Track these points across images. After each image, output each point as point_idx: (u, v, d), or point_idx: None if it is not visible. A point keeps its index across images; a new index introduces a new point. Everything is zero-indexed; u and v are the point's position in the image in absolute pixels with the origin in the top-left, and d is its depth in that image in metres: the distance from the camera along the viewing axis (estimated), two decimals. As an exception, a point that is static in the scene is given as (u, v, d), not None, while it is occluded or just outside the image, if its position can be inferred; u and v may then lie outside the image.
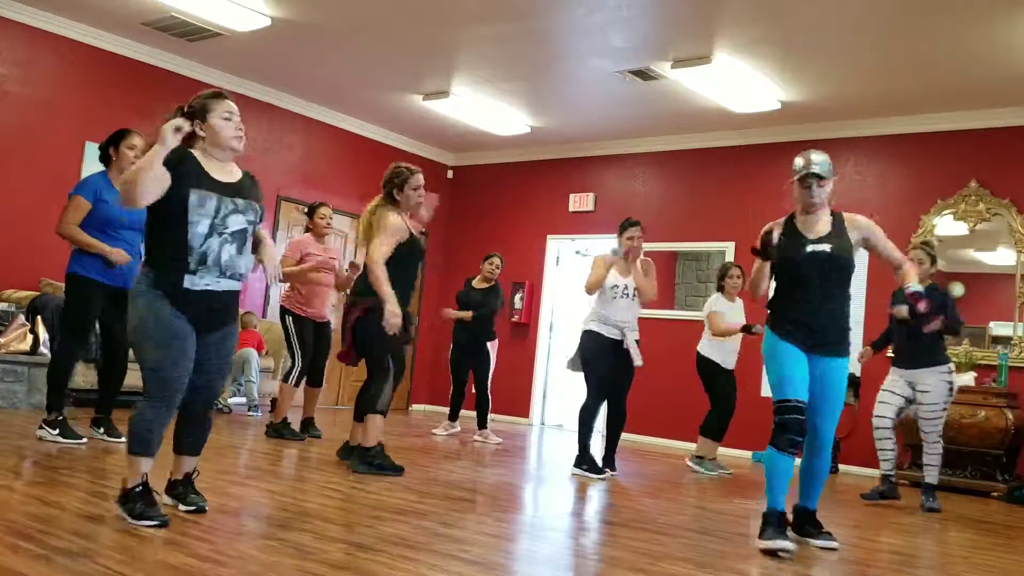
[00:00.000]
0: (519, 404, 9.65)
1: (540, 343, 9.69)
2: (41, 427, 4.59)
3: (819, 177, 3.63)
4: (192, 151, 2.98)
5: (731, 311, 6.40)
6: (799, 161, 3.71)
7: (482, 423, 6.98)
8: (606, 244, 9.20)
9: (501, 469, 5.39)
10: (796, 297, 3.62)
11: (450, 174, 10.63)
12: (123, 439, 4.63)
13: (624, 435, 6.24)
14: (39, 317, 6.16)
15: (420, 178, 4.69)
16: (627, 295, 5.51)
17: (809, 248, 3.59)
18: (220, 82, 8.16)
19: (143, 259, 2.99)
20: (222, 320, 3.01)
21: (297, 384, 5.88)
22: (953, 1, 5.40)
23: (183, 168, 2.89)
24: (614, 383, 5.48)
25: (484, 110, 8.52)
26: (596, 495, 4.76)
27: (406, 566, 2.55)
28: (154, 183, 2.79)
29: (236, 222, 2.96)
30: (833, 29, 5.99)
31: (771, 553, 3.34)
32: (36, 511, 2.84)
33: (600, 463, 5.43)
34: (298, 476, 4.32)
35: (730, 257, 8.44)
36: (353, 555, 2.63)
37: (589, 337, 5.49)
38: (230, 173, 3.04)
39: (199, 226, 2.87)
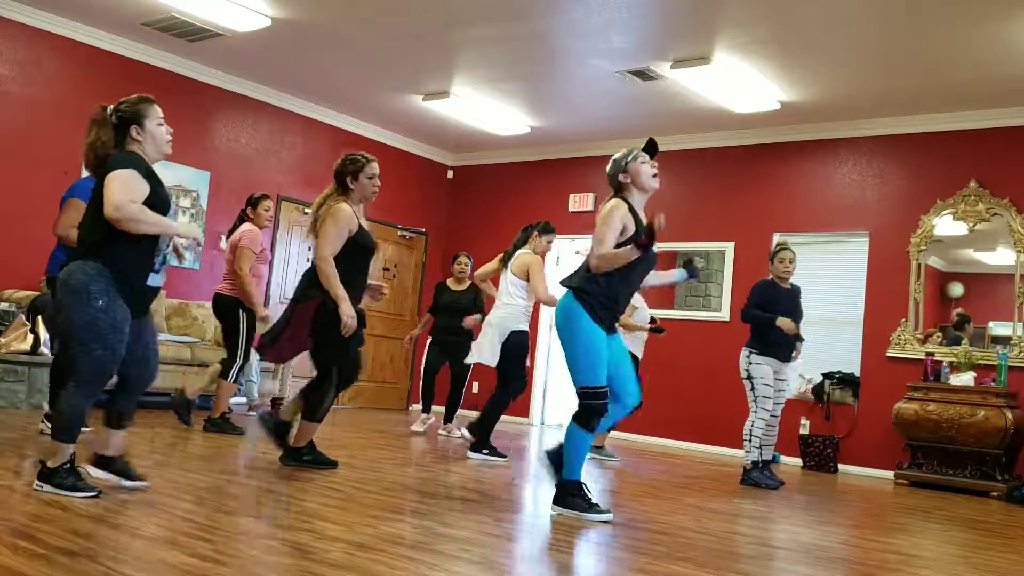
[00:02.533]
0: (519, 404, 9.60)
1: (540, 343, 9.69)
2: (42, 421, 4.82)
3: None
4: (140, 154, 3.24)
5: (642, 306, 6.59)
6: (627, 150, 3.84)
7: (451, 418, 7.15)
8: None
9: (501, 469, 5.40)
10: (624, 281, 3.74)
11: (450, 174, 10.63)
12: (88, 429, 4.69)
13: (623, 435, 6.25)
14: (39, 317, 6.17)
15: (376, 167, 4.51)
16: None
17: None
18: (220, 82, 8.17)
19: (88, 255, 3.15)
20: (147, 308, 3.34)
21: (236, 380, 5.77)
22: (953, 1, 5.41)
23: (155, 180, 3.20)
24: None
25: (484, 110, 8.53)
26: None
27: (406, 566, 2.55)
28: (162, 231, 3.20)
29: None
30: (833, 29, 6.00)
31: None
32: (36, 510, 2.84)
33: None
34: (298, 476, 4.32)
35: (730, 257, 8.45)
36: (353, 555, 2.64)
37: (525, 336, 5.79)
38: None
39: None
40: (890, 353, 7.41)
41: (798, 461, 7.61)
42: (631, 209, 3.74)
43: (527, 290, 5.77)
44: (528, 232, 5.98)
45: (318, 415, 4.36)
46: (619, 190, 3.85)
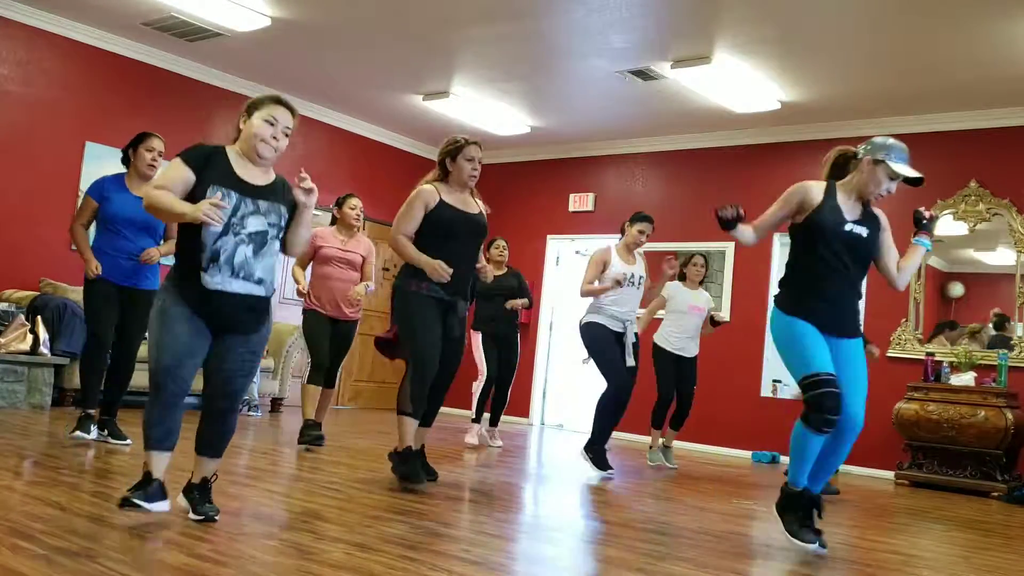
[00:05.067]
0: (519, 404, 9.64)
1: (540, 343, 9.70)
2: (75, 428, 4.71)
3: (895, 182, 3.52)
4: (228, 148, 2.98)
5: (692, 297, 6.33)
6: (893, 144, 3.50)
7: (495, 421, 6.75)
8: (605, 244, 9.24)
9: (501, 469, 5.40)
10: (823, 276, 3.44)
11: (450, 174, 10.61)
12: (126, 441, 4.66)
13: (623, 435, 6.24)
14: (39, 317, 6.17)
15: (474, 150, 4.20)
16: (633, 284, 5.50)
17: (847, 227, 3.46)
18: (220, 82, 8.17)
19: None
20: (242, 325, 2.91)
21: (311, 382, 5.48)
22: (953, 1, 5.41)
23: (209, 166, 2.87)
24: None
25: (484, 110, 8.53)
26: (596, 495, 4.76)
27: (406, 566, 2.55)
28: (172, 215, 2.82)
29: (255, 224, 2.88)
30: (833, 29, 6.00)
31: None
32: (37, 511, 2.84)
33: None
34: (298, 476, 4.32)
35: (730, 257, 8.45)
36: (353, 555, 2.63)
37: (592, 328, 5.42)
38: (263, 176, 2.97)
39: (213, 224, 2.79)
40: (890, 353, 7.40)
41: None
42: (830, 190, 3.51)
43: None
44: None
45: (400, 406, 4.09)
46: (843, 171, 3.60)
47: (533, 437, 8.16)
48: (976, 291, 7.47)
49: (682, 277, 6.38)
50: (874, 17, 5.75)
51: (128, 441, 4.64)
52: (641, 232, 5.54)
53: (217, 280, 2.82)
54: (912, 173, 3.49)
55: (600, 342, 5.38)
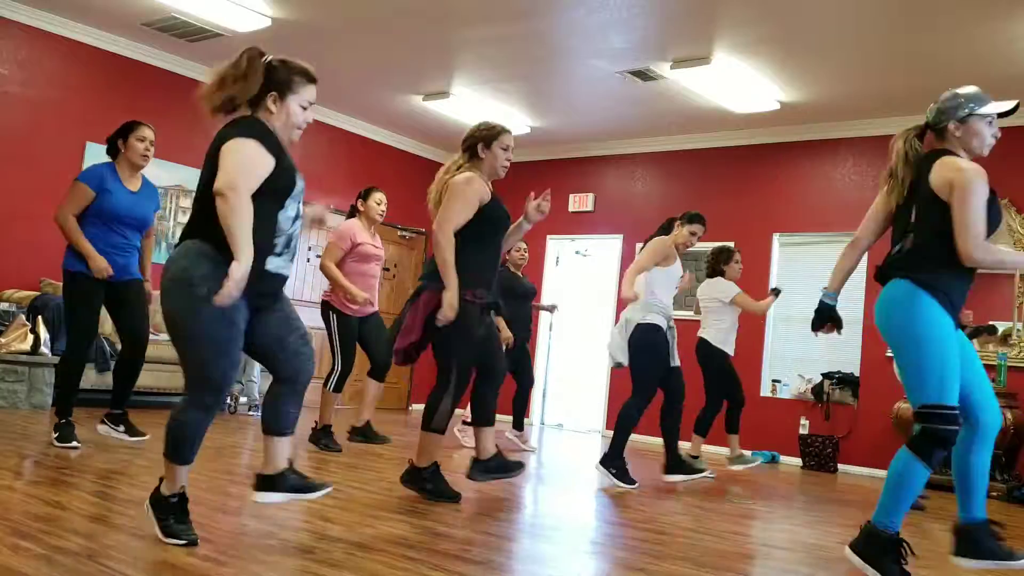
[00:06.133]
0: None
1: (540, 343, 9.70)
2: (102, 422, 4.69)
3: None
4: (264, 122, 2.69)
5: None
6: (964, 94, 3.14)
7: (520, 424, 6.75)
8: (606, 244, 9.26)
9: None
10: (967, 278, 3.01)
11: (450, 174, 10.61)
12: (145, 437, 4.61)
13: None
14: (40, 317, 6.18)
15: (511, 139, 3.86)
16: (676, 283, 5.25)
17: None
18: (220, 82, 8.17)
19: (188, 240, 2.58)
20: (278, 298, 2.73)
21: (337, 389, 5.31)
22: (953, 1, 5.41)
23: (283, 152, 2.64)
24: (667, 379, 5.09)
25: (484, 110, 8.52)
26: (596, 495, 4.76)
27: (406, 566, 2.56)
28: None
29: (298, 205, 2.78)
30: (833, 29, 6.00)
31: None
32: (37, 511, 2.84)
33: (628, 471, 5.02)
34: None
35: (730, 257, 8.45)
36: (353, 555, 2.64)
37: (652, 332, 4.93)
38: None
39: (290, 209, 2.65)
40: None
41: (798, 461, 7.61)
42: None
43: (655, 279, 5.03)
44: (671, 222, 5.32)
45: (432, 422, 3.76)
46: (939, 139, 3.16)
47: (533, 437, 8.16)
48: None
49: (720, 272, 6.15)
50: (873, 17, 5.75)
51: (147, 437, 4.61)
52: (693, 234, 5.20)
53: (283, 263, 2.68)
54: (1004, 106, 3.11)
55: (659, 352, 4.94)
